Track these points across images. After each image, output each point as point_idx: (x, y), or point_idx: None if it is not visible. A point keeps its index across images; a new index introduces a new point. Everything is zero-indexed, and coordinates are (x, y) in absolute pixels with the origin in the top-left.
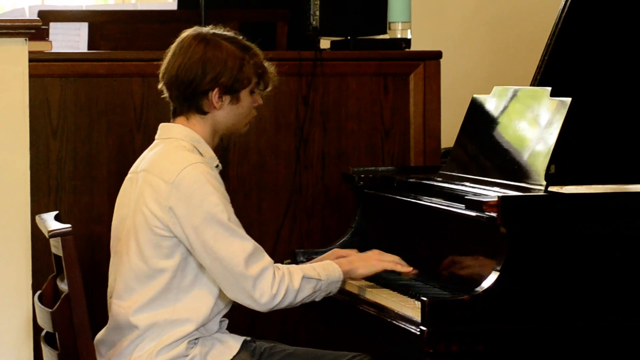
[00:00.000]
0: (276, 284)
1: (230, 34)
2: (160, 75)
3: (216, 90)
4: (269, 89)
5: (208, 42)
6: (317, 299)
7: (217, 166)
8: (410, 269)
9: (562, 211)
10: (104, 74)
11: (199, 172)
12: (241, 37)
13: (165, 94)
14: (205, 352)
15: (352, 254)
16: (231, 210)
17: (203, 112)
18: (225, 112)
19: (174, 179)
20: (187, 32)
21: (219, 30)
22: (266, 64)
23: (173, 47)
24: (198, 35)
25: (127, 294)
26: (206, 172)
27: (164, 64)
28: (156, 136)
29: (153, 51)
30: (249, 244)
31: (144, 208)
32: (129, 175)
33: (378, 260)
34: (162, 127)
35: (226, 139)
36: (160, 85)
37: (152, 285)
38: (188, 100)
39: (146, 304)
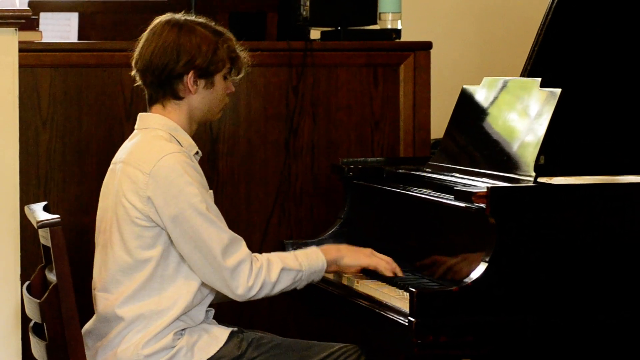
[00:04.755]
0: (252, 277)
1: (202, 19)
2: (134, 62)
3: (191, 73)
4: (241, 74)
5: (181, 27)
6: (298, 288)
7: (196, 153)
8: (392, 269)
9: (551, 202)
10: (94, 64)
11: (176, 161)
12: (213, 23)
13: (139, 82)
14: (192, 343)
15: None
16: (209, 199)
17: (179, 98)
18: (201, 97)
19: (151, 169)
20: (159, 19)
21: (191, 17)
22: (239, 49)
23: (145, 34)
24: (170, 21)
25: (114, 286)
26: (183, 161)
27: (137, 51)
28: (135, 126)
29: None
30: (226, 235)
31: (124, 200)
32: (110, 167)
33: (366, 256)
34: (141, 116)
35: (205, 127)
36: (133, 72)
37: (137, 277)
38: (163, 86)
39: (132, 295)
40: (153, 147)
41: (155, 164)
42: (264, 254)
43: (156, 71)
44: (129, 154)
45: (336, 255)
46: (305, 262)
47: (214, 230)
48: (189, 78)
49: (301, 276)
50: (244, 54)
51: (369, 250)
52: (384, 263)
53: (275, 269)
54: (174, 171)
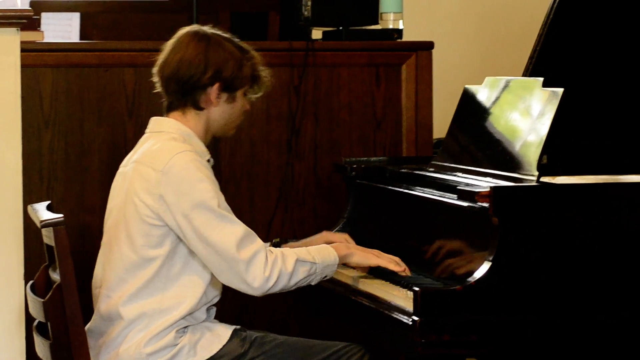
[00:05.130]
0: (269, 267)
1: (227, 35)
2: (157, 69)
3: (216, 85)
4: (260, 93)
5: (209, 40)
6: (312, 283)
7: (208, 161)
8: (403, 268)
9: (553, 201)
10: (96, 64)
11: (188, 159)
12: (237, 40)
13: (159, 88)
14: (194, 342)
15: (343, 238)
16: (221, 196)
17: (199, 108)
18: (221, 110)
19: (164, 167)
20: (186, 29)
21: (217, 31)
22: (261, 69)
23: (171, 42)
24: (198, 32)
25: (118, 284)
26: (195, 159)
27: (162, 58)
28: (146, 129)
29: (145, 41)
30: (240, 228)
31: (135, 198)
32: (119, 170)
33: (375, 256)
34: (154, 120)
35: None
36: (156, 79)
37: (141, 275)
38: (186, 95)
39: (135, 293)
40: (165, 147)
41: (167, 161)
42: (277, 248)
43: (181, 80)
44: (142, 155)
45: (346, 252)
46: (318, 256)
47: (228, 225)
48: (213, 90)
49: (315, 269)
50: (265, 74)
51: (376, 251)
52: (394, 263)
53: (290, 259)
54: (186, 168)
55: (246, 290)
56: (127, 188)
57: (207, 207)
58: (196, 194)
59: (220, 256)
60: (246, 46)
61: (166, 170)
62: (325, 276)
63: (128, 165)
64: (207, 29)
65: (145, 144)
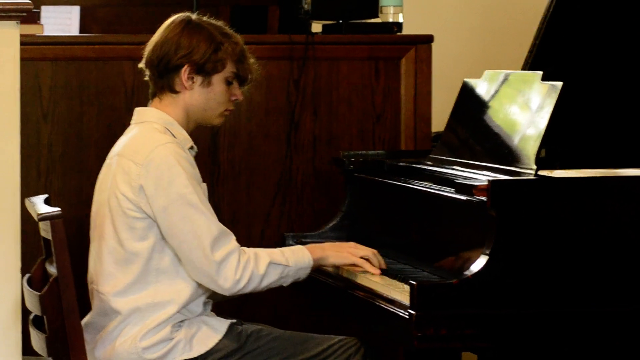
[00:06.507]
0: (240, 270)
1: (218, 23)
2: (143, 56)
3: (186, 67)
4: (247, 82)
5: (189, 24)
6: (284, 284)
7: (191, 148)
8: (378, 271)
9: (552, 195)
10: (95, 57)
11: (168, 152)
12: (228, 27)
13: (147, 77)
14: (190, 336)
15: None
16: (200, 192)
17: (174, 91)
18: (197, 94)
19: (144, 160)
20: (175, 16)
21: (207, 18)
22: (250, 58)
23: (158, 30)
24: (183, 19)
25: (107, 278)
26: (176, 152)
27: (147, 46)
28: (131, 120)
29: (144, 34)
30: (215, 227)
31: (117, 192)
32: (106, 161)
33: (350, 254)
34: (137, 111)
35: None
36: (140, 65)
37: (131, 269)
38: (162, 78)
39: (126, 288)
40: (147, 139)
41: (148, 154)
42: (251, 248)
43: (155, 62)
44: (124, 147)
45: (321, 254)
46: (292, 258)
47: (203, 224)
48: (184, 71)
49: (288, 272)
50: (252, 61)
51: (352, 244)
52: (369, 265)
53: (263, 262)
54: (165, 162)
55: (216, 289)
56: (111, 182)
57: (186, 202)
58: (175, 189)
59: (193, 253)
60: (232, 33)
61: (146, 163)
62: (298, 278)
63: (113, 157)
64: (195, 16)
65: (127, 135)
